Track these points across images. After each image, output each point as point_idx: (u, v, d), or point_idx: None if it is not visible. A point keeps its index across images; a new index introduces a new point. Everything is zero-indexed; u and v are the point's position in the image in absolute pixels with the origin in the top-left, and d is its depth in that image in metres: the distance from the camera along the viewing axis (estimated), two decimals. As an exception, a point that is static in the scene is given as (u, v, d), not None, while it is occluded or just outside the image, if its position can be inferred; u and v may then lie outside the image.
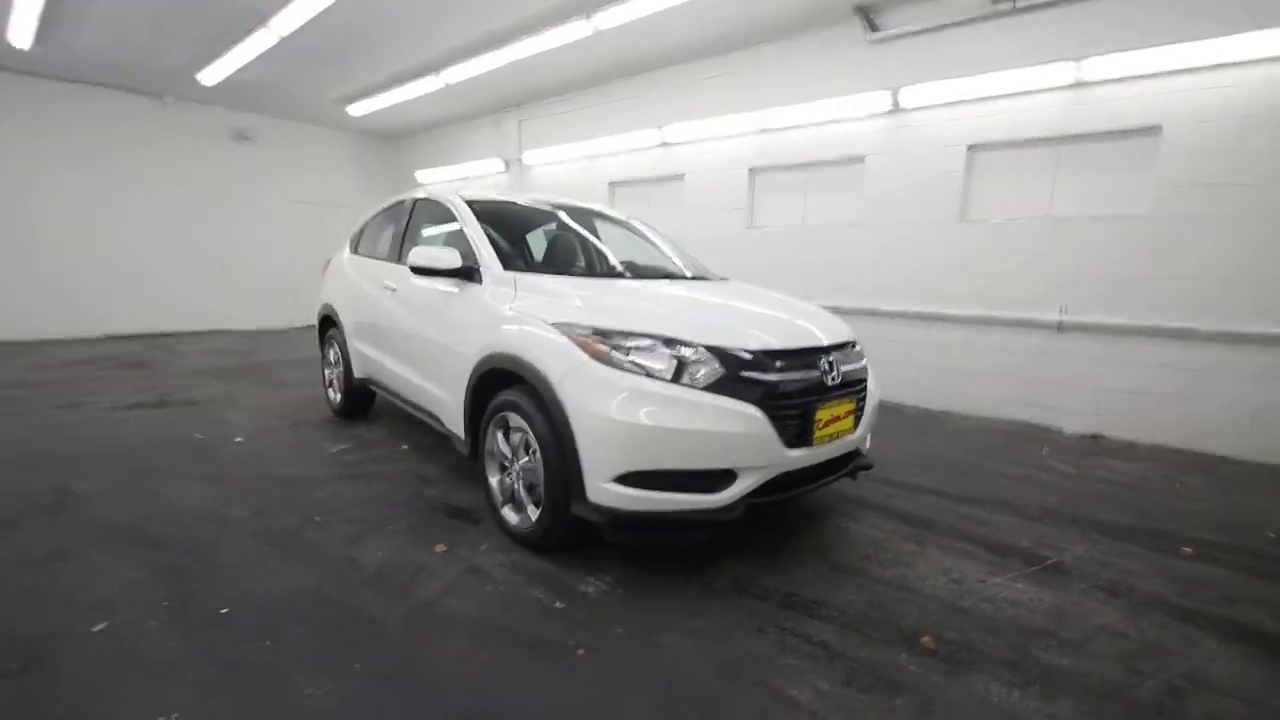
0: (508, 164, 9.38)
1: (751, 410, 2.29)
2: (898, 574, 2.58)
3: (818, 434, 2.46)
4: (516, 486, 2.70)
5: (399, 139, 11.61)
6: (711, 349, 2.33)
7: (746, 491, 2.32)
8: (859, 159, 5.97)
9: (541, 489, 2.50)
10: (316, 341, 5.18)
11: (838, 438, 2.57)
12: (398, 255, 3.92)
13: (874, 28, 5.65)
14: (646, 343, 2.32)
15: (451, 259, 3.04)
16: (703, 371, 2.29)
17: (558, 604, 2.28)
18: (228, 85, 8.21)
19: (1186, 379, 4.48)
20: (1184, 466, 4.14)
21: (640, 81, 7.52)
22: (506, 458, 2.75)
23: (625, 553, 2.64)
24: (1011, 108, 5.06)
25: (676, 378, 2.28)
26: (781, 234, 6.60)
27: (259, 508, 3.05)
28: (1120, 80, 4.57)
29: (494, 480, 2.84)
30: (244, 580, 2.38)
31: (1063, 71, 4.73)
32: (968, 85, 5.18)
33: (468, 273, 3.06)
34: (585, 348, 2.35)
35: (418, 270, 3.15)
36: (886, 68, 5.63)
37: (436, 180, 10.61)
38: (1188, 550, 2.86)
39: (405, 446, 4.12)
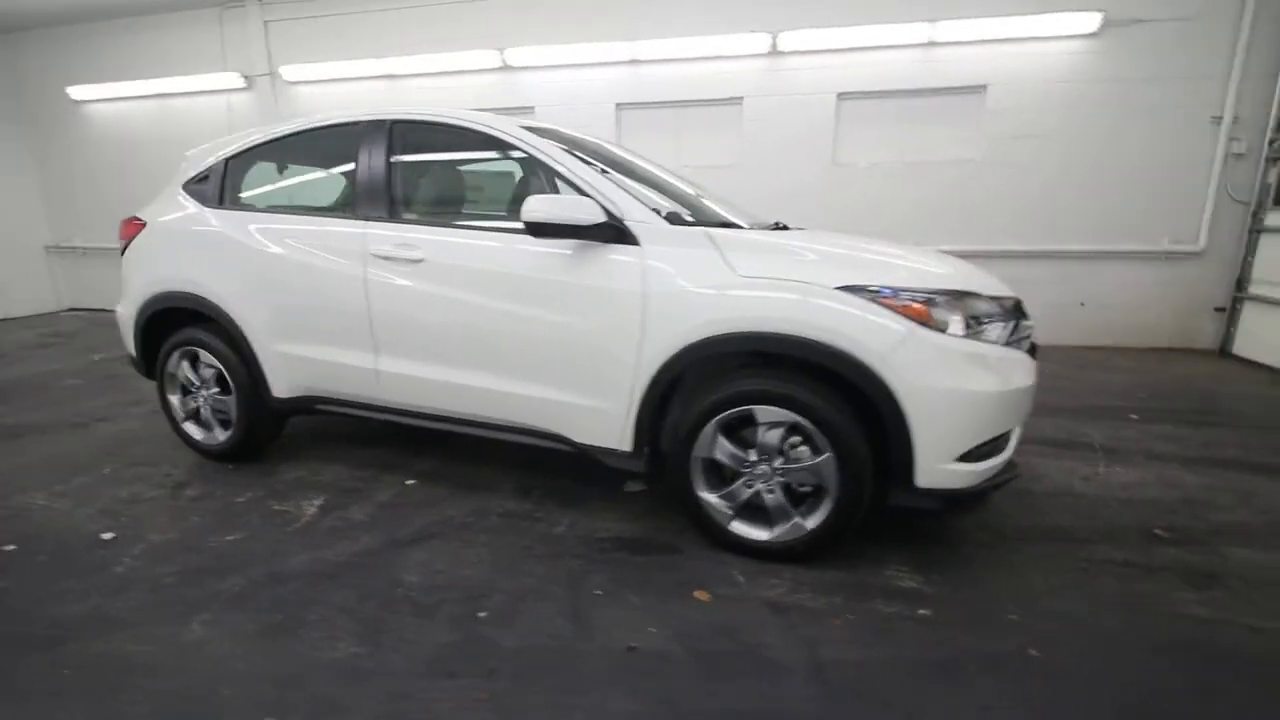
0: (250, 80, 6.93)
1: (1030, 362, 2.25)
2: (1048, 486, 2.90)
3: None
4: (771, 498, 2.19)
5: (21, 32, 7.56)
6: (995, 299, 2.18)
7: (1013, 450, 2.30)
8: (737, 100, 6.03)
9: (834, 488, 2.08)
10: (135, 352, 3.25)
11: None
12: (388, 208, 2.64)
13: (750, -36, 5.64)
14: (977, 302, 2.07)
15: (593, 212, 2.19)
16: (1001, 325, 2.15)
17: (920, 611, 1.99)
18: None
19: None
20: (1025, 355, 5.48)
21: (466, -13, 6.22)
22: (746, 461, 2.19)
23: (864, 543, 2.39)
24: (875, 59, 5.66)
25: (977, 334, 2.09)
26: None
27: (368, 644, 1.89)
28: (961, 44, 5.48)
29: (712, 497, 2.26)
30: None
31: (920, 31, 5.45)
32: (839, 35, 5.61)
33: (616, 231, 2.24)
34: (907, 314, 1.98)
35: (539, 228, 2.20)
36: (761, 9, 5.72)
37: (99, 97, 7.29)
38: (1134, 417, 3.84)
39: (410, 481, 2.95)
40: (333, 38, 6.61)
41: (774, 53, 5.81)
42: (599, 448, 2.40)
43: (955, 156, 5.75)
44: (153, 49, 7.20)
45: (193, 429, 3.19)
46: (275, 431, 3.20)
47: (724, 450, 2.20)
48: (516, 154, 2.55)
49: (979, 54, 5.48)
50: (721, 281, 2.12)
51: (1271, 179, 5.06)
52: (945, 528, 2.49)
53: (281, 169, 3.11)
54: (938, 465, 2.00)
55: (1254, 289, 5.20)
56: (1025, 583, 2.16)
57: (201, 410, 3.13)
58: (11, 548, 2.39)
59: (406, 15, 6.39)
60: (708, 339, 2.11)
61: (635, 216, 2.27)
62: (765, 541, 2.22)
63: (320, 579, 2.17)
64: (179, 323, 3.11)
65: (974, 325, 2.06)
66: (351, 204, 2.74)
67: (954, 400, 1.97)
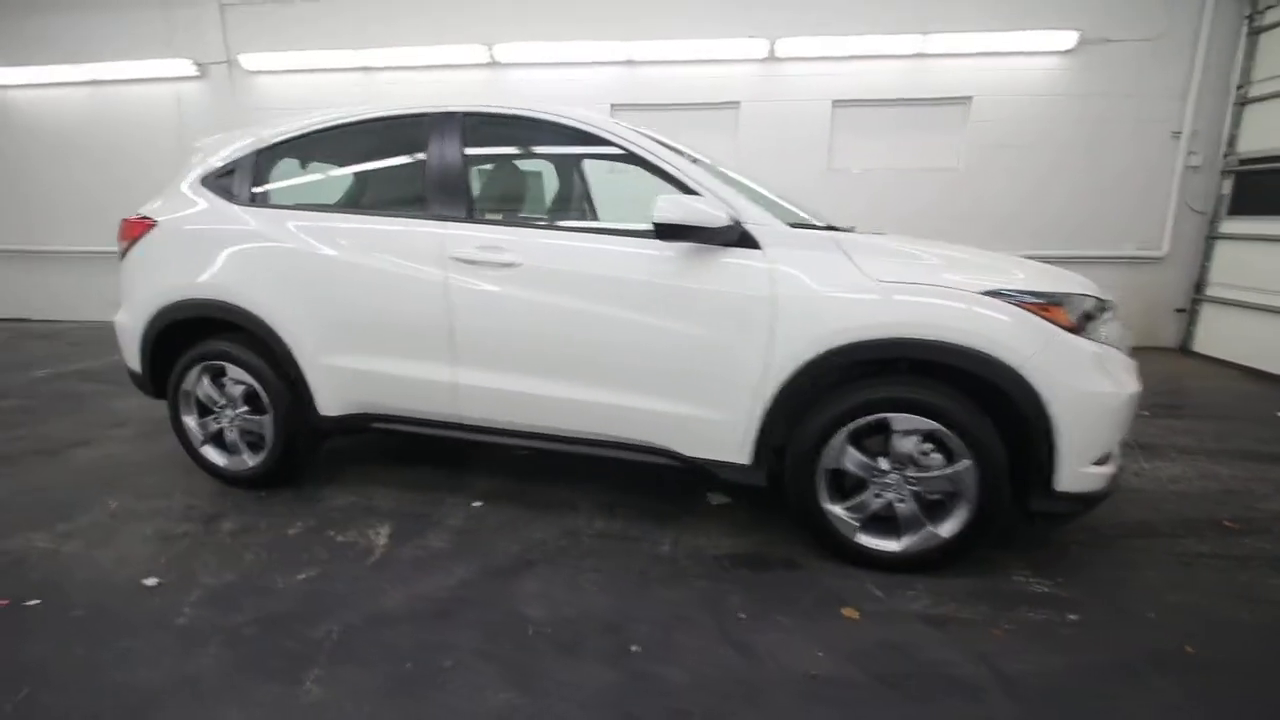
0: (203, 68, 6.33)
1: (1134, 364, 2.31)
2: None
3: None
4: (901, 506, 2.14)
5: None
6: (1104, 301, 2.22)
7: None
8: (734, 104, 6.03)
9: (972, 495, 2.06)
10: (140, 368, 2.86)
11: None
12: (466, 208, 2.42)
13: (749, -30, 5.66)
14: (1090, 303, 2.09)
15: (717, 215, 2.09)
16: (1113, 327, 2.19)
17: (1070, 616, 1.99)
18: None
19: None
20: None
21: (453, -22, 5.93)
22: (876, 470, 2.13)
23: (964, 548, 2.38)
24: (869, 68, 5.80)
25: (1099, 337, 2.12)
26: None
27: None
28: (948, 56, 5.69)
29: (838, 509, 2.19)
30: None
31: (912, 42, 5.63)
32: (835, 43, 5.71)
33: (739, 235, 2.14)
34: (1047, 317, 1.98)
35: (667, 230, 2.07)
36: (758, 15, 5.75)
37: (15, 83, 6.49)
38: (1145, 413, 4.08)
39: (477, 503, 2.72)
40: (302, 25, 6.14)
41: (771, 58, 5.84)
42: (714, 461, 2.28)
43: (942, 165, 5.97)
44: (82, 29, 6.45)
45: (213, 453, 2.83)
46: (313, 454, 2.88)
47: (853, 460, 2.14)
48: (612, 150, 2.40)
49: (965, 67, 5.72)
50: (857, 286, 2.06)
51: (1226, 190, 5.54)
52: (1039, 529, 2.52)
53: (325, 163, 2.81)
54: (1078, 469, 2.01)
55: (1210, 291, 5.67)
56: (1142, 579, 2.22)
57: (226, 432, 2.78)
58: (34, 602, 2.02)
59: (388, 5, 6.02)
60: (846, 345, 2.04)
61: (754, 218, 2.18)
62: (896, 553, 2.17)
63: (431, 619, 1.95)
64: (198, 334, 2.76)
65: (1095, 328, 2.09)
66: (421, 202, 2.49)
67: (1095, 403, 1.98)
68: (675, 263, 2.18)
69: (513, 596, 2.07)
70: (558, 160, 2.98)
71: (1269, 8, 5.10)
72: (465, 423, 2.54)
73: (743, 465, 2.25)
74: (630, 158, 2.35)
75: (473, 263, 2.34)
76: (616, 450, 2.42)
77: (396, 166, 2.73)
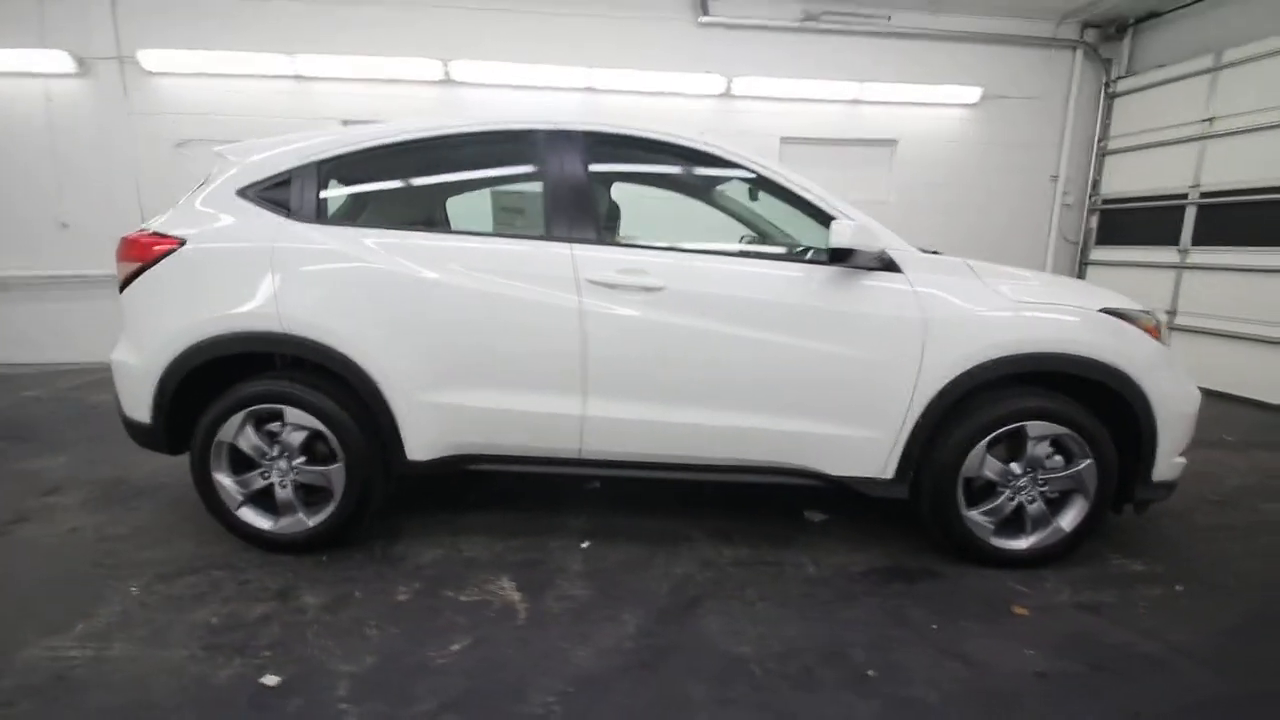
0: (84, 64, 5.35)
1: None
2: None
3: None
4: (1029, 506, 2.33)
5: None
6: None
7: None
8: (692, 135, 6.22)
9: (1092, 491, 2.30)
10: (150, 417, 2.32)
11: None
12: (595, 230, 2.29)
13: (705, 10, 5.93)
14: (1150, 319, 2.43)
15: (877, 240, 2.18)
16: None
17: (1177, 588, 2.28)
18: None
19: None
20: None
21: (405, -11, 5.57)
22: (1010, 475, 2.30)
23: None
24: (813, 110, 6.31)
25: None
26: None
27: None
28: (879, 103, 6.35)
29: (975, 514, 2.33)
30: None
31: (850, 89, 6.22)
32: (785, 85, 6.15)
33: (884, 260, 2.24)
34: (1147, 330, 2.29)
35: (842, 255, 2.11)
36: (713, 53, 6.04)
37: None
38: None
39: (584, 544, 2.53)
40: (217, 22, 5.41)
41: (727, 95, 6.14)
42: (858, 478, 2.33)
43: (876, 198, 6.59)
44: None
45: (253, 515, 2.37)
46: (378, 507, 2.51)
47: (992, 467, 2.30)
48: (743, 174, 2.41)
49: (892, 114, 6.40)
50: (997, 305, 2.24)
51: (1093, 224, 6.68)
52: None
53: (404, 178, 2.50)
54: (1170, 461, 2.33)
55: (1086, 308, 6.77)
56: (1220, 550, 2.58)
57: (277, 489, 2.34)
58: (127, 728, 1.56)
59: (328, 8, 5.50)
60: (991, 361, 2.21)
61: (893, 243, 2.30)
62: (1022, 550, 2.36)
63: (642, 673, 1.79)
64: (230, 376, 2.32)
65: (1167, 340, 2.45)
66: (538, 222, 2.31)
67: (1186, 404, 2.32)
68: (824, 286, 2.24)
69: (704, 636, 1.96)
70: (682, 184, 2.91)
71: (1120, 79, 6.29)
72: (588, 457, 2.37)
73: (886, 480, 2.33)
74: (763, 182, 2.38)
75: (612, 286, 2.21)
76: (752, 475, 2.39)
77: (500, 183, 2.52)
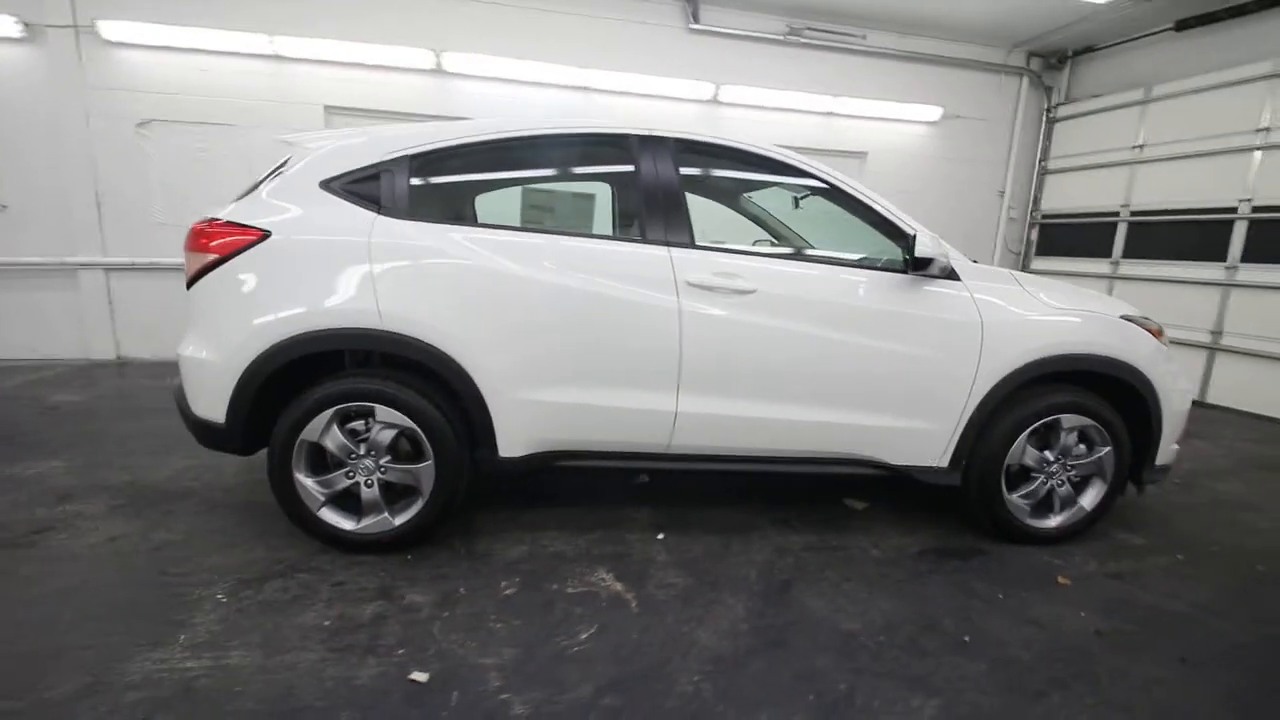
0: (33, 29, 4.87)
1: None
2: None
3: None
4: (1058, 489, 2.64)
5: None
6: None
7: None
8: (679, 139, 6.38)
9: (1110, 474, 2.63)
10: (226, 417, 2.23)
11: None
12: (689, 233, 2.40)
13: (696, 18, 6.10)
14: (1155, 325, 2.81)
15: (946, 250, 2.41)
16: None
17: (1179, 557, 2.65)
18: None
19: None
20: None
21: (394, -26, 5.39)
22: (1046, 463, 2.60)
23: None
24: (792, 120, 6.61)
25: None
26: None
27: None
28: (852, 117, 6.74)
29: (1015, 497, 2.61)
30: None
31: (824, 102, 6.56)
32: (768, 95, 6.42)
33: (947, 269, 2.47)
34: (1154, 334, 2.64)
35: (922, 264, 2.32)
36: (702, 59, 6.22)
37: None
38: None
39: (660, 535, 2.63)
40: (189, -5, 5.06)
41: (715, 101, 6.34)
42: (918, 467, 2.56)
43: (845, 206, 6.99)
44: None
45: (334, 516, 2.32)
46: (460, 504, 2.51)
47: (1031, 456, 2.58)
48: (817, 185, 2.59)
49: (863, 127, 6.81)
50: (1041, 311, 2.53)
51: (1034, 237, 7.36)
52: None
53: (493, 175, 2.50)
54: (1169, 448, 2.70)
55: (1026, 313, 7.46)
56: (1196, 523, 3.00)
57: (363, 488, 2.30)
58: (295, 731, 1.54)
59: (315, -10, 5.26)
60: (1039, 360, 2.48)
61: (952, 254, 2.53)
62: (1054, 528, 2.66)
63: (772, 651, 1.92)
64: (313, 373, 2.27)
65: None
66: (631, 225, 2.40)
67: (1184, 398, 2.69)
68: (898, 291, 2.45)
69: (811, 616, 2.11)
70: (762, 191, 3.03)
71: (1060, 105, 6.97)
72: (675, 452, 2.47)
73: (941, 469, 2.57)
74: (836, 193, 2.57)
75: (709, 289, 2.33)
76: (820, 466, 2.57)
77: (594, 186, 2.56)
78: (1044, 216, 7.23)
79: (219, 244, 2.21)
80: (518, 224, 2.53)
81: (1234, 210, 5.23)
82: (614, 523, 2.72)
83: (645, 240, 2.37)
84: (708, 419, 2.42)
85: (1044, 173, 7.19)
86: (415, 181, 2.33)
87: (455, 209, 2.51)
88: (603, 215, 3.78)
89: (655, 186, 2.42)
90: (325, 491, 2.30)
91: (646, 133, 2.50)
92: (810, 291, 2.41)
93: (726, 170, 2.82)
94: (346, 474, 2.30)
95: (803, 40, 6.35)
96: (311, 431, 2.24)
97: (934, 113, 6.83)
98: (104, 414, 4.01)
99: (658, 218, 2.39)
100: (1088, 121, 6.66)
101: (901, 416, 2.51)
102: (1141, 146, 6.02)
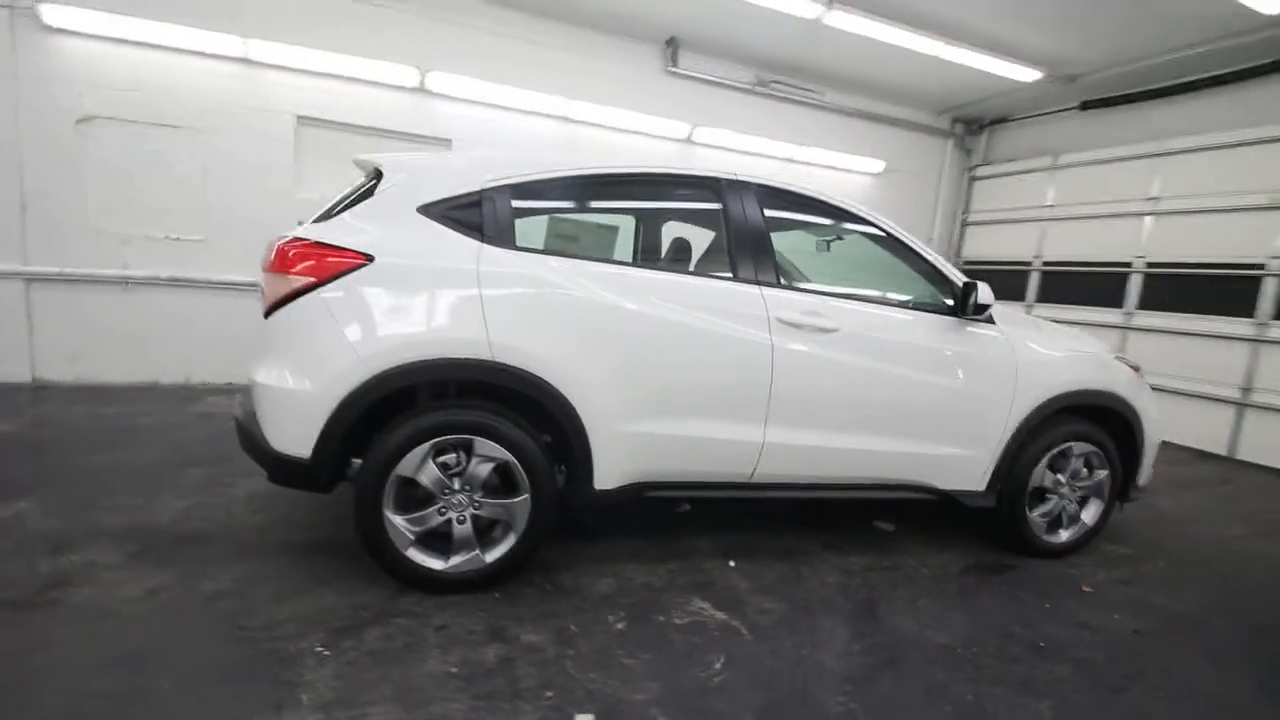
0: (-46, 4, 4.26)
1: None
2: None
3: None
4: (1067, 508, 2.99)
5: None
6: None
7: None
8: (653, 174, 6.58)
9: (1107, 493, 3.03)
10: (310, 452, 2.07)
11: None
12: (775, 273, 2.53)
13: (674, 63, 6.37)
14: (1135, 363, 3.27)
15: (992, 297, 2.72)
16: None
17: (1160, 564, 3.07)
18: None
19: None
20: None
21: (381, -10, 5.23)
22: (1060, 484, 2.95)
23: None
24: (762, 164, 6.98)
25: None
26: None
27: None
28: (812, 165, 7.24)
29: (1035, 515, 2.93)
30: None
31: (789, 149, 7.03)
32: (737, 139, 6.79)
33: (985, 311, 2.78)
34: (1133, 369, 3.08)
35: (980, 309, 2.61)
36: (678, 100, 6.50)
37: None
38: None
39: (731, 563, 2.70)
40: (148, -12, 4.63)
41: (689, 141, 6.62)
42: (961, 491, 2.82)
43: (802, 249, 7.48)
44: None
45: (423, 557, 2.21)
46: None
47: (1048, 479, 2.93)
48: (877, 233, 2.82)
49: (820, 174, 7.33)
50: (1059, 352, 2.90)
51: (957, 280, 8.20)
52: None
53: (578, 210, 2.51)
54: (1147, 469, 3.15)
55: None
56: (1165, 533, 3.46)
57: (455, 525, 2.21)
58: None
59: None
60: (1060, 394, 2.84)
61: (984, 298, 2.85)
62: (1064, 542, 3.01)
63: (891, 670, 2.05)
64: (387, 410, 2.17)
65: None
66: (720, 263, 2.50)
67: (1160, 426, 3.15)
68: (951, 332, 2.72)
69: (906, 634, 2.27)
70: (828, 236, 3.19)
71: (979, 166, 7.90)
72: (757, 481, 2.57)
73: (979, 492, 2.85)
74: (893, 241, 2.81)
75: (797, 326, 2.48)
76: (881, 491, 2.77)
77: (685, 223, 2.63)
78: (965, 263, 8.09)
79: (315, 266, 2.08)
80: (617, 257, 2.57)
81: (1129, 265, 6.16)
82: (683, 553, 2.76)
83: (737, 279, 2.49)
84: (790, 449, 2.55)
85: (965, 224, 8.08)
86: (517, 211, 2.32)
87: (554, 240, 2.50)
88: (624, 247, 3.87)
89: (745, 228, 2.55)
90: (416, 530, 2.19)
91: (732, 176, 2.63)
92: (880, 330, 2.63)
93: (802, 215, 3.00)
94: (439, 510, 2.20)
95: (769, 92, 6.80)
96: (406, 466, 2.13)
97: (878, 165, 7.51)
98: (54, 447, 3.50)
99: (746, 256, 2.52)
100: (1004, 181, 7.59)
101: (953, 445, 2.76)
102: (1052, 206, 6.94)
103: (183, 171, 4.91)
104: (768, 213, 2.64)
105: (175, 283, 4.99)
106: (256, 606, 2.11)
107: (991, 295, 2.68)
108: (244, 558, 2.43)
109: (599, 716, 1.72)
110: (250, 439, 2.19)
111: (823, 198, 2.80)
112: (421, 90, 5.51)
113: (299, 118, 5.20)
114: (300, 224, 2.51)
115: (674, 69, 6.34)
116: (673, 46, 6.27)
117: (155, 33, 4.63)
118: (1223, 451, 5.40)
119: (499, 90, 5.72)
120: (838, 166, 7.36)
